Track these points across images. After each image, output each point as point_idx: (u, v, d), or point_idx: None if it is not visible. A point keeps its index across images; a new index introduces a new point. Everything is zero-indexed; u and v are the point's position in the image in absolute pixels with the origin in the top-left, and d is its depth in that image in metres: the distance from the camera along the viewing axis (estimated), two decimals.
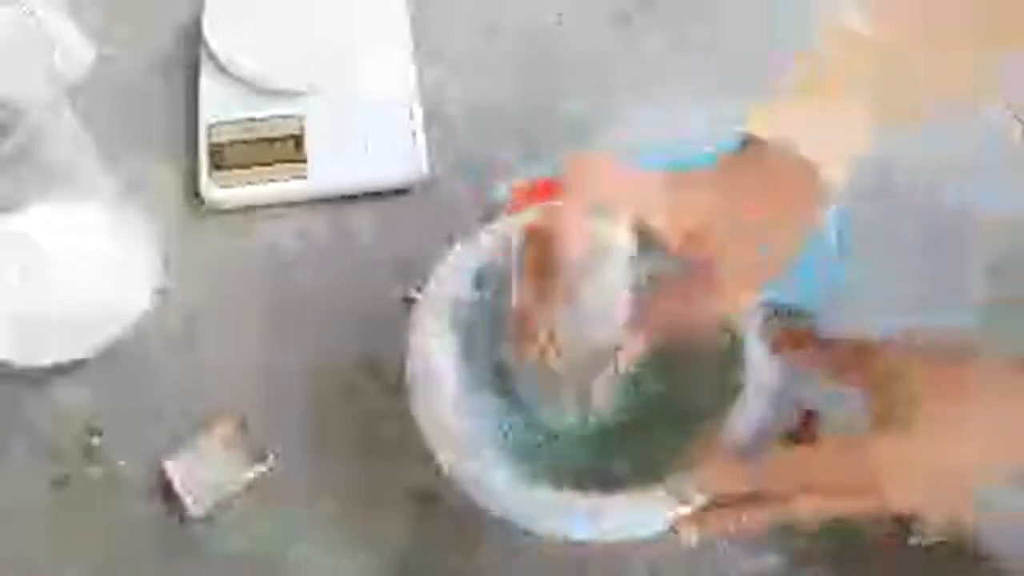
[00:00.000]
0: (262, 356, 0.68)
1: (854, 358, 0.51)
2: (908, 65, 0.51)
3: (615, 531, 0.51)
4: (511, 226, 0.58)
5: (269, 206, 0.73)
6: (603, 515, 0.50)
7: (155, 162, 0.75)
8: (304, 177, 0.73)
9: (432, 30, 0.81)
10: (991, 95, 0.66)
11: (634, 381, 0.57)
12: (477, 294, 0.58)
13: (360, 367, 0.67)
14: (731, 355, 0.55)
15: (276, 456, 0.63)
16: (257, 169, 0.73)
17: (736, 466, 0.50)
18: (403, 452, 0.60)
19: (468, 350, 0.57)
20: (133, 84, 0.79)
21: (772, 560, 0.60)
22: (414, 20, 0.80)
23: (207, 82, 0.76)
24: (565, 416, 0.57)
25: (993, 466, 0.48)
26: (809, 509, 0.49)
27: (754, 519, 0.49)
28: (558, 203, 0.49)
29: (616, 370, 0.54)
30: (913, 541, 0.60)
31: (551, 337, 0.52)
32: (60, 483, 0.64)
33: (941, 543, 0.59)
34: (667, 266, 0.52)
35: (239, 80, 0.75)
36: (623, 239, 0.49)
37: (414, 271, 0.64)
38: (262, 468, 0.63)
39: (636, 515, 0.51)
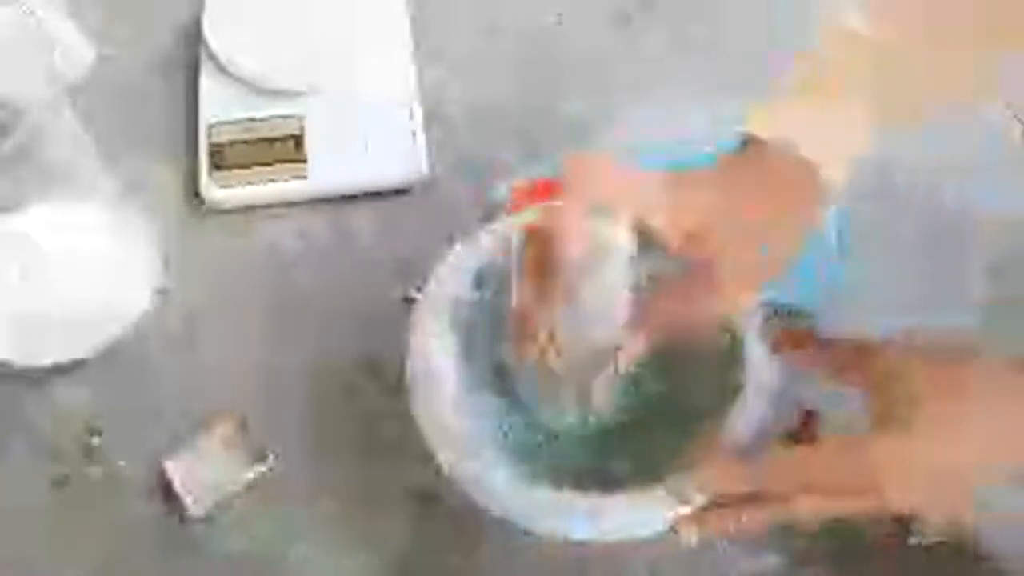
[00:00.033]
0: (262, 356, 0.68)
1: (854, 358, 0.51)
2: (908, 65, 0.51)
3: (615, 531, 0.51)
4: (511, 226, 0.58)
5: (269, 206, 0.73)
6: (603, 515, 0.50)
7: (155, 162, 0.75)
8: (304, 177, 0.73)
9: (432, 30, 0.81)
10: (991, 95, 0.66)
11: (634, 381, 0.57)
12: (477, 294, 0.58)
13: (360, 367, 0.67)
14: (731, 355, 0.55)
15: (276, 456, 0.63)
16: (257, 169, 0.73)
17: (736, 466, 0.50)
18: (403, 452, 0.60)
19: (468, 350, 0.57)
20: (133, 84, 0.79)
21: (772, 560, 0.60)
22: (414, 20, 0.80)
23: (207, 82, 0.76)
24: (565, 416, 0.57)
25: (993, 466, 0.48)
26: (809, 509, 0.49)
27: (754, 519, 0.49)
28: (558, 203, 0.49)
29: (616, 370, 0.54)
30: (913, 541, 0.60)
31: (551, 337, 0.52)
32: (60, 483, 0.64)
33: (941, 543, 0.59)
34: (667, 266, 0.52)
35: (239, 80, 0.75)
36: (623, 239, 0.49)
37: (414, 271, 0.64)
38: (262, 468, 0.63)
39: (636, 515, 0.51)
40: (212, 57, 0.76)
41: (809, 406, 0.53)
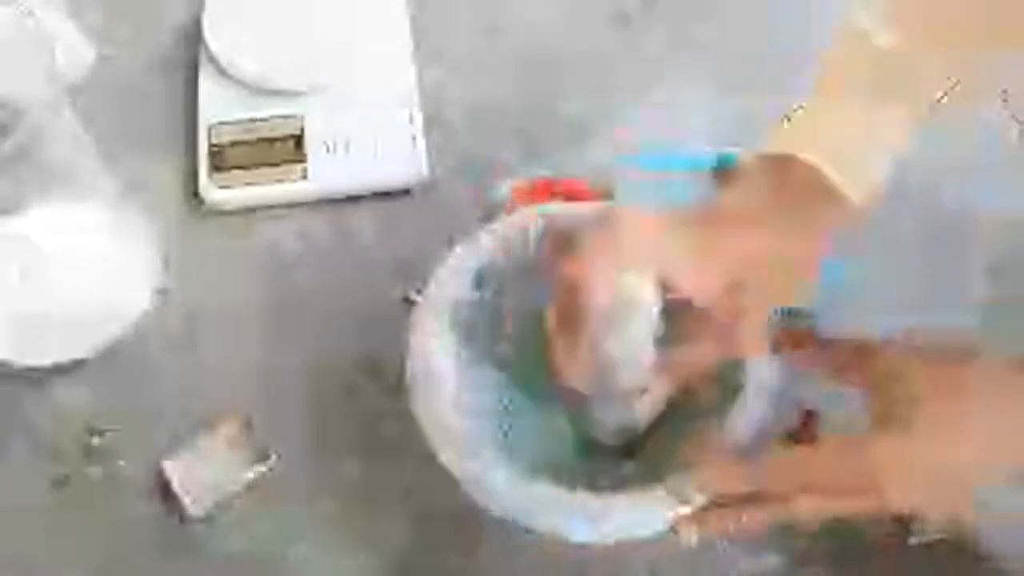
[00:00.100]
0: (262, 356, 0.68)
1: (854, 358, 0.51)
2: (908, 65, 0.51)
3: (615, 532, 0.51)
4: (511, 226, 0.58)
5: (269, 207, 0.73)
6: (603, 517, 0.50)
7: (155, 162, 0.75)
8: (304, 178, 0.73)
9: (432, 30, 0.81)
10: (991, 95, 0.66)
11: None
12: (477, 294, 0.58)
13: (360, 367, 0.67)
14: None
15: (279, 456, 0.63)
16: (257, 170, 0.73)
17: (736, 466, 0.50)
18: (403, 452, 0.60)
19: (468, 350, 0.57)
20: (133, 84, 0.79)
21: (772, 560, 0.60)
22: (414, 20, 0.80)
23: (207, 83, 0.76)
24: (596, 432, 0.58)
25: (993, 466, 0.48)
26: (809, 509, 0.49)
27: (754, 519, 0.49)
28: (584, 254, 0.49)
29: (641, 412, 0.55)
30: (913, 541, 0.60)
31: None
32: (60, 483, 0.64)
33: (941, 541, 0.59)
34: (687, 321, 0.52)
35: (239, 80, 0.75)
36: (649, 294, 0.49)
37: (414, 271, 0.64)
38: (262, 468, 0.63)
39: (636, 515, 0.50)
40: (212, 58, 0.76)
41: (809, 406, 0.53)
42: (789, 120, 0.52)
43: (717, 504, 0.49)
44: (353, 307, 0.69)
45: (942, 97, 0.52)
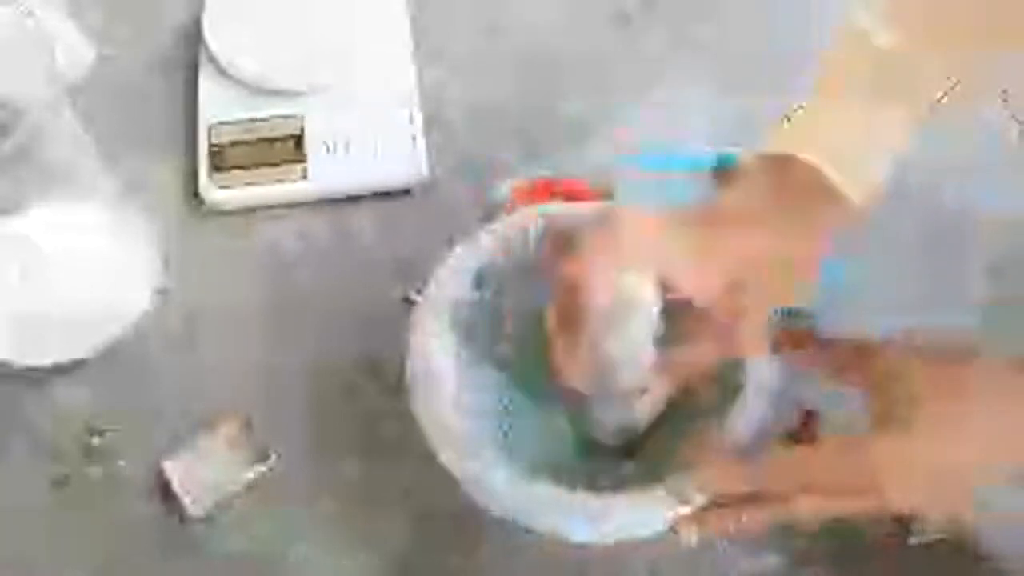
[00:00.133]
0: (262, 356, 0.68)
1: (854, 358, 0.51)
2: (908, 65, 0.51)
3: (615, 532, 0.51)
4: (511, 226, 0.58)
5: (269, 207, 0.73)
6: (603, 517, 0.50)
7: (155, 162, 0.75)
8: (304, 178, 0.73)
9: (432, 30, 0.81)
10: (991, 95, 0.66)
11: None
12: (477, 294, 0.58)
13: (360, 367, 0.67)
14: None
15: (279, 456, 0.63)
16: (257, 170, 0.73)
17: (736, 466, 0.50)
18: (403, 452, 0.60)
19: (468, 350, 0.57)
20: (133, 84, 0.79)
21: (772, 560, 0.60)
22: (414, 20, 0.80)
23: (207, 83, 0.76)
24: (596, 432, 0.58)
25: (993, 466, 0.48)
26: (809, 509, 0.49)
27: (754, 519, 0.49)
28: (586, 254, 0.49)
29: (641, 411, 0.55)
30: (913, 541, 0.60)
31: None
32: (60, 483, 0.64)
33: (941, 541, 0.59)
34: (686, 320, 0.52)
35: (239, 80, 0.75)
36: (649, 294, 0.49)
37: (414, 272, 0.64)
38: (262, 468, 0.63)
39: (636, 515, 0.50)
40: (212, 58, 0.76)
41: (809, 406, 0.53)
42: (789, 120, 0.52)
43: (717, 504, 0.49)
44: (353, 307, 0.69)
45: (942, 97, 0.52)
